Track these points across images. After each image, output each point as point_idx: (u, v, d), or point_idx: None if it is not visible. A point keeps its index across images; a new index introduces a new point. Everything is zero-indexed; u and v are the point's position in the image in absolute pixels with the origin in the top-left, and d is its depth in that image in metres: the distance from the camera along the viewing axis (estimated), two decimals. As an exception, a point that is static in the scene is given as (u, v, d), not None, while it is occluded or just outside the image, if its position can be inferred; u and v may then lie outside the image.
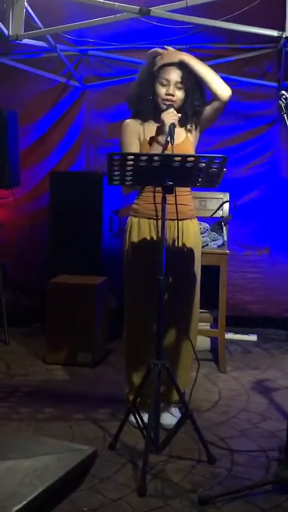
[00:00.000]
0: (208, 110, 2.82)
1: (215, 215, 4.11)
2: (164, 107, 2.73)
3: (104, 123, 4.68)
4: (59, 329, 3.78)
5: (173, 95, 2.72)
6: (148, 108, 2.77)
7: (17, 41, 3.63)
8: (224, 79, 4.37)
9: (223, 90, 2.77)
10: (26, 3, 3.51)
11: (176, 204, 2.61)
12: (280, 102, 2.35)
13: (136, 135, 2.80)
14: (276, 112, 4.24)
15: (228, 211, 4.12)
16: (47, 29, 3.74)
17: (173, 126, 2.63)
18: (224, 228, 3.97)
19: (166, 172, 2.42)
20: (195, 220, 2.93)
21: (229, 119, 4.40)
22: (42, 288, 3.91)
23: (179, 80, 2.72)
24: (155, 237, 2.78)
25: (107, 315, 4.00)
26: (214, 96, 2.79)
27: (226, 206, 4.13)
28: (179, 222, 2.72)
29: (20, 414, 3.01)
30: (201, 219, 4.09)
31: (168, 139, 2.61)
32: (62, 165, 4.74)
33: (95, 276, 3.96)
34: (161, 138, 2.70)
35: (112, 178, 2.48)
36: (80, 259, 4.18)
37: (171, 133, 2.60)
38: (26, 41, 3.74)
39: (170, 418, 2.85)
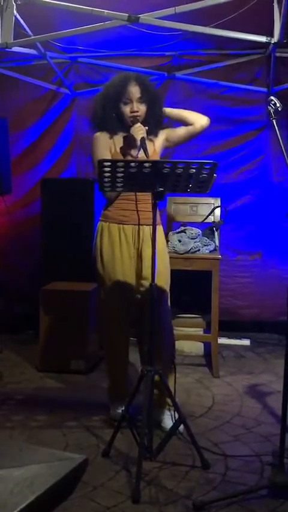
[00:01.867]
0: (182, 131, 3.01)
1: (206, 220, 4.12)
2: (131, 123, 2.86)
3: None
4: (52, 336, 3.77)
5: (137, 111, 2.87)
6: (114, 124, 2.91)
7: (6, 49, 3.63)
8: (214, 85, 4.48)
9: (200, 120, 2.99)
10: (15, 11, 3.51)
11: (137, 210, 2.85)
12: (269, 107, 2.36)
13: (107, 147, 2.92)
14: (266, 117, 4.27)
15: (220, 216, 4.13)
16: (36, 36, 3.74)
17: (143, 140, 2.78)
18: (216, 233, 3.98)
19: (156, 179, 2.43)
20: (160, 226, 3.03)
21: (219, 124, 4.43)
22: (34, 295, 3.90)
23: (139, 95, 2.86)
24: (124, 241, 2.91)
25: (99, 322, 3.99)
26: (191, 125, 2.98)
27: (217, 211, 4.14)
28: (149, 227, 2.84)
29: (13, 422, 2.99)
30: (192, 224, 4.12)
31: (141, 152, 2.78)
32: (53, 171, 4.74)
33: (87, 283, 3.96)
34: (133, 152, 2.85)
35: (103, 185, 2.49)
36: (72, 265, 4.17)
37: (144, 147, 2.76)
38: (15, 48, 3.75)
39: (170, 419, 2.85)
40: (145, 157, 2.75)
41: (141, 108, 2.88)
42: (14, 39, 3.58)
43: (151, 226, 2.76)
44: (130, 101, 2.86)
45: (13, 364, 3.94)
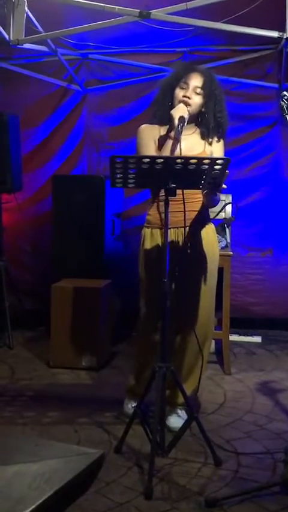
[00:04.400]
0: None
1: (217, 217, 4.09)
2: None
3: (105, 127, 4.69)
4: (63, 333, 3.78)
5: (189, 98, 2.72)
6: (164, 113, 2.77)
7: (18, 46, 3.64)
8: (225, 81, 4.47)
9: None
10: (26, 8, 3.52)
11: (175, 210, 2.63)
12: (282, 103, 2.35)
13: (151, 138, 2.81)
14: (278, 113, 4.25)
15: (231, 212, 4.11)
16: (47, 33, 3.75)
17: (182, 119, 2.62)
18: (227, 229, 3.97)
19: (169, 175, 2.43)
20: (211, 225, 2.91)
21: (230, 120, 4.34)
22: (46, 291, 3.91)
23: (199, 85, 2.72)
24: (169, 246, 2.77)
25: (111, 318, 4.00)
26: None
27: (229, 208, 4.12)
28: (190, 228, 2.77)
29: (25, 418, 3.00)
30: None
31: (177, 137, 2.59)
32: (64, 168, 4.74)
33: (98, 279, 3.96)
34: (171, 138, 2.69)
35: (115, 180, 2.48)
36: (83, 262, 4.18)
37: (180, 127, 2.59)
38: (27, 45, 3.76)
39: (176, 420, 2.85)
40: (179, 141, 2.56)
41: (194, 98, 2.70)
42: (25, 36, 3.59)
43: (198, 227, 2.73)
44: (187, 86, 2.71)
45: (25, 361, 3.95)
